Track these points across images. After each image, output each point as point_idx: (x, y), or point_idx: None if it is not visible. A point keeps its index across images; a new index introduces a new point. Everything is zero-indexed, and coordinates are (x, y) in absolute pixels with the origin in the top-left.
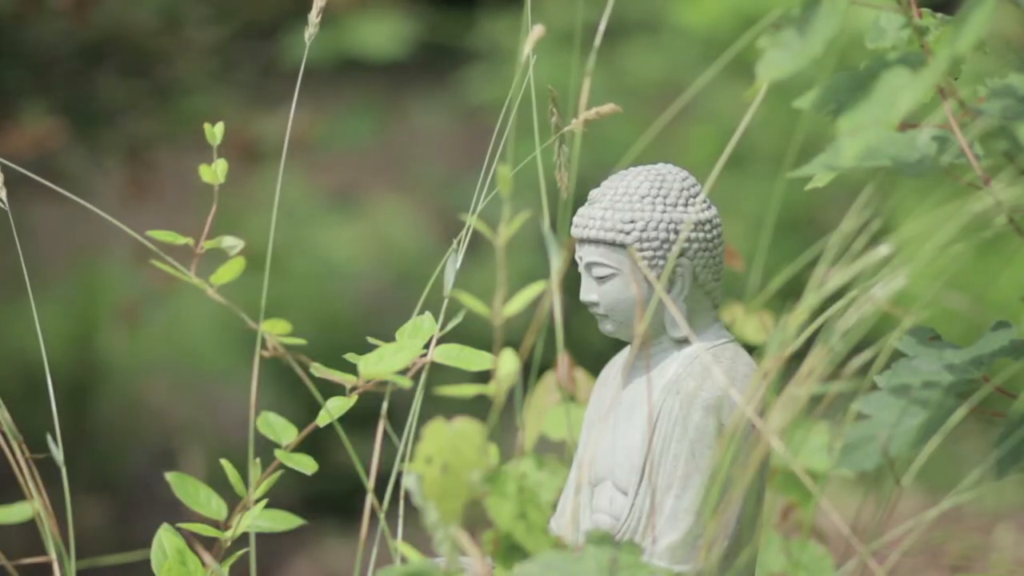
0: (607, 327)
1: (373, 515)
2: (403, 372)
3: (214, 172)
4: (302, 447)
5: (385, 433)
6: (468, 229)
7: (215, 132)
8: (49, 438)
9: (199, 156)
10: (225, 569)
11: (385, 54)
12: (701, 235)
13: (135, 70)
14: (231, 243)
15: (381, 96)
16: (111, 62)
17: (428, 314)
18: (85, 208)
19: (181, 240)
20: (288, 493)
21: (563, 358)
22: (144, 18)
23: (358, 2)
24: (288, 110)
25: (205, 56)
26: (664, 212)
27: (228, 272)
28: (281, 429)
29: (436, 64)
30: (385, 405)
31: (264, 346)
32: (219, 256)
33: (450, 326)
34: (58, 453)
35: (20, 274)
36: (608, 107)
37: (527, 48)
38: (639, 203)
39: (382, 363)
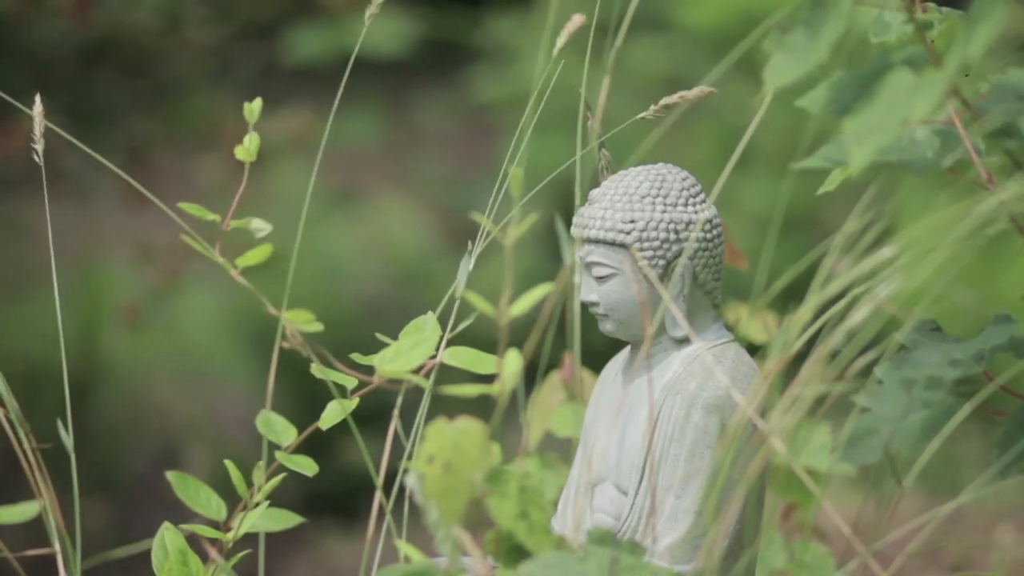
0: (607, 327)
1: (376, 513)
2: (415, 372)
3: (247, 150)
4: (303, 447)
5: (383, 432)
6: (484, 232)
7: (253, 109)
8: (59, 424)
9: (199, 156)
10: (225, 572)
11: (388, 53)
12: (701, 235)
13: (135, 70)
14: (259, 225)
15: (384, 95)
16: (111, 62)
17: (430, 313)
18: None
19: (210, 216)
20: (289, 493)
21: (568, 357)
22: (144, 18)
23: (360, 1)
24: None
25: (205, 56)
26: (664, 212)
27: (255, 256)
28: (281, 429)
29: (440, 63)
30: (399, 401)
31: (283, 338)
32: (218, 264)
33: (461, 327)
34: (68, 439)
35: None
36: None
37: (560, 41)
38: (639, 203)
39: (398, 360)
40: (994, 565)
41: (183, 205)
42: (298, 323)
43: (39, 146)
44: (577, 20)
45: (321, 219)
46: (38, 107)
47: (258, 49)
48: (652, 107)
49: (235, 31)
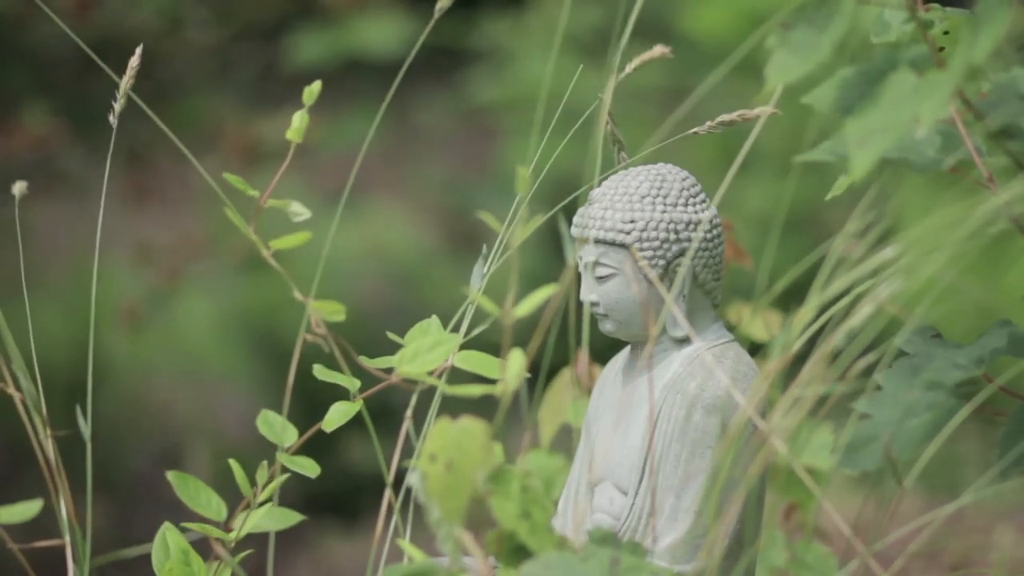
0: (607, 327)
1: (379, 513)
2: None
3: (298, 130)
4: (304, 447)
5: (388, 432)
6: (499, 238)
7: (313, 90)
8: (78, 411)
9: (199, 158)
10: (229, 570)
11: (386, 54)
12: (701, 235)
13: (135, 71)
14: (297, 209)
15: (382, 96)
16: (111, 63)
17: (435, 317)
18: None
19: (252, 191)
20: (289, 492)
21: (580, 354)
22: (145, 20)
23: (358, 2)
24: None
25: (205, 58)
26: (664, 212)
27: (291, 240)
28: (282, 430)
29: (438, 65)
30: (413, 401)
31: (307, 330)
32: (218, 262)
33: (477, 331)
34: (86, 428)
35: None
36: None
37: (634, 64)
38: (639, 203)
39: (417, 361)
40: (994, 565)
41: (228, 176)
42: (325, 313)
43: (126, 85)
44: (658, 50)
45: (319, 221)
46: (136, 58)
47: (258, 51)
48: (708, 123)
49: (235, 33)
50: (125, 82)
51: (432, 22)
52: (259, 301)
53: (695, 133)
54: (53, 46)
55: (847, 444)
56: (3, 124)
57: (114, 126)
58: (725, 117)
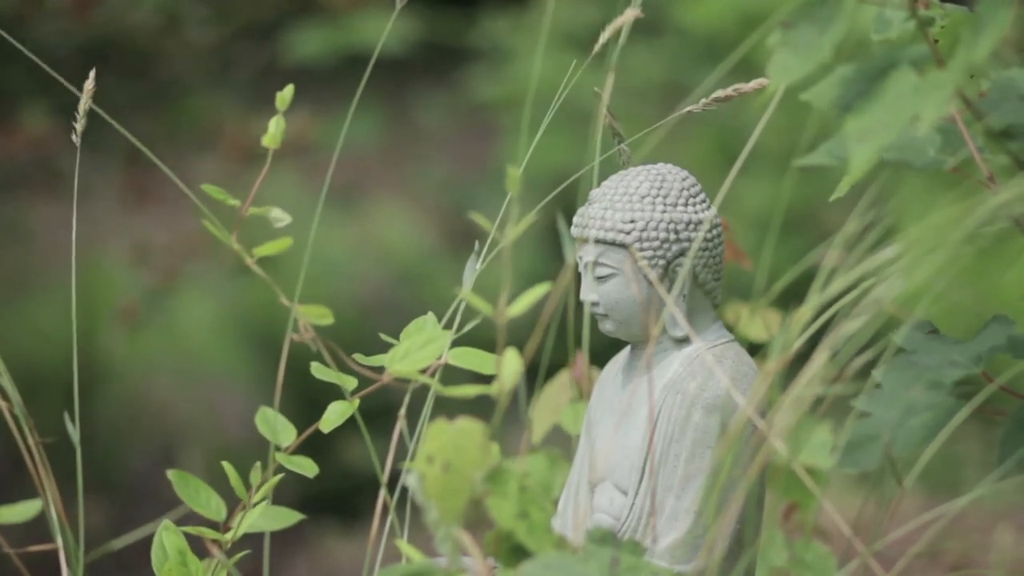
0: (607, 326)
1: (380, 512)
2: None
3: (274, 136)
4: (302, 447)
5: (385, 431)
6: (491, 235)
7: (285, 96)
8: (66, 417)
9: (198, 157)
10: (226, 570)
11: (386, 52)
12: (701, 234)
13: (135, 71)
14: (278, 215)
15: (382, 95)
16: (111, 63)
17: (431, 314)
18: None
19: (231, 201)
20: (288, 492)
21: (579, 356)
22: (144, 19)
23: (359, 1)
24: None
25: (205, 57)
26: (664, 212)
27: (273, 247)
28: (281, 429)
29: (438, 63)
30: (406, 400)
31: (294, 331)
32: (217, 261)
33: (468, 327)
34: (74, 432)
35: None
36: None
37: (603, 37)
38: (639, 203)
39: (408, 359)
40: (994, 565)
41: (206, 187)
42: (312, 317)
43: (84, 105)
44: (630, 14)
45: (321, 220)
46: (91, 81)
47: (258, 49)
48: (703, 100)
49: (235, 31)
50: (83, 103)
51: (393, 16)
52: (258, 300)
53: (689, 112)
54: (53, 46)
55: (847, 443)
56: (3, 124)
57: (78, 144)
58: (720, 93)
